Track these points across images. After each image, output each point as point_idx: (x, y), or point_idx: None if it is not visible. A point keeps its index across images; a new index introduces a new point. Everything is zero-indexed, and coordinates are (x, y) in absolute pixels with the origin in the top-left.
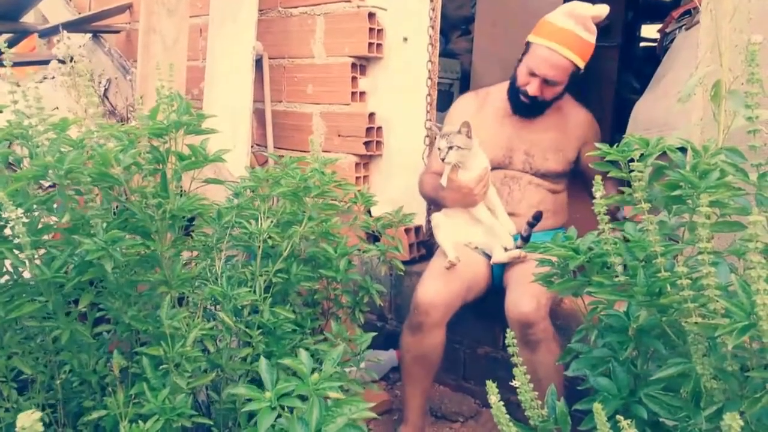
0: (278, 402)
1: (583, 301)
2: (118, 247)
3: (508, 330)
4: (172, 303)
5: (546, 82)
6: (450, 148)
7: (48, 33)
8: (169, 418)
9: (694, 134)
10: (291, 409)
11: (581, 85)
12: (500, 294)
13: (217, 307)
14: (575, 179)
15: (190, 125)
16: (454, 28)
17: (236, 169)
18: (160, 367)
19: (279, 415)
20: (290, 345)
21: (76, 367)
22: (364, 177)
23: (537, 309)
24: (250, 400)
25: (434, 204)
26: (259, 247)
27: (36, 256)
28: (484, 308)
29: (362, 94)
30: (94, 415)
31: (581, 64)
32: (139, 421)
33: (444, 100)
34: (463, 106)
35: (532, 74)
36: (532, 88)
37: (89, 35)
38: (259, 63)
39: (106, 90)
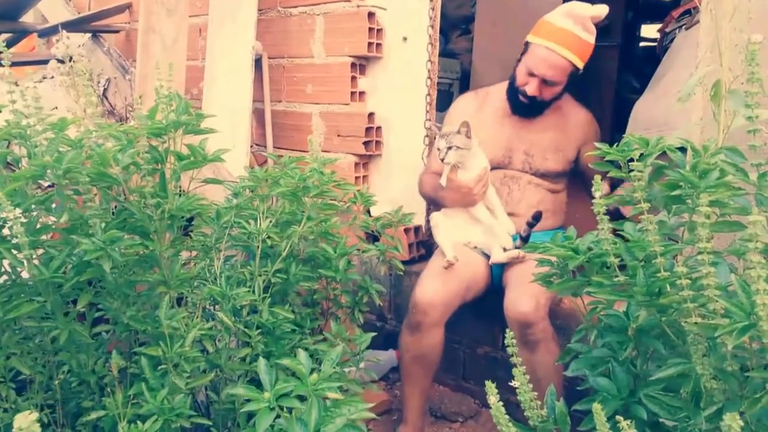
0: (277, 402)
1: (583, 301)
2: (116, 247)
3: (507, 330)
4: (170, 303)
5: (545, 82)
6: (449, 148)
7: (47, 33)
8: (167, 419)
9: (694, 134)
10: (290, 410)
11: (581, 84)
12: (499, 294)
13: (216, 307)
14: (575, 179)
15: (189, 125)
16: (454, 28)
17: (235, 168)
18: (159, 367)
19: (278, 416)
20: (289, 345)
21: (74, 368)
22: (364, 177)
23: (536, 309)
24: (249, 400)
25: (434, 204)
26: (258, 247)
27: (34, 256)
28: (484, 308)
29: (362, 93)
30: (93, 415)
31: (580, 65)
32: (138, 422)
33: (444, 100)
34: (463, 105)
35: (531, 74)
36: (531, 88)
37: (88, 35)
38: (258, 63)
39: (105, 90)
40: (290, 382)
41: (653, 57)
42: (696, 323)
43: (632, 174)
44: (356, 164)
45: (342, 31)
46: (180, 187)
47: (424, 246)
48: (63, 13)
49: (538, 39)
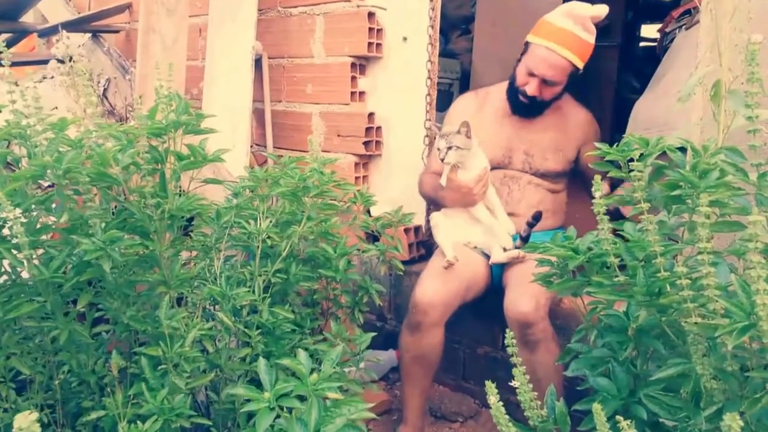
0: (277, 402)
1: (583, 301)
2: (116, 247)
3: (507, 330)
4: (170, 303)
5: (545, 82)
6: (449, 148)
7: (47, 33)
8: (167, 419)
9: (693, 134)
10: (290, 410)
11: (581, 84)
12: (500, 294)
13: (216, 307)
14: (575, 179)
15: (189, 125)
16: (454, 28)
17: (235, 168)
18: (159, 367)
19: (278, 416)
20: (289, 345)
21: (74, 368)
22: (364, 177)
23: (536, 309)
24: (249, 400)
25: (434, 204)
26: (258, 247)
27: (34, 256)
28: (484, 308)
29: (362, 93)
30: (93, 415)
31: (580, 65)
32: (138, 422)
33: (444, 100)
34: (463, 105)
35: (531, 74)
36: (531, 88)
37: (88, 35)
38: (258, 63)
39: (105, 90)
40: (290, 382)
41: (653, 57)
42: (696, 323)
43: (632, 174)
44: (356, 164)
45: (342, 31)
46: (180, 187)
47: (424, 246)
48: (63, 13)
49: (538, 39)
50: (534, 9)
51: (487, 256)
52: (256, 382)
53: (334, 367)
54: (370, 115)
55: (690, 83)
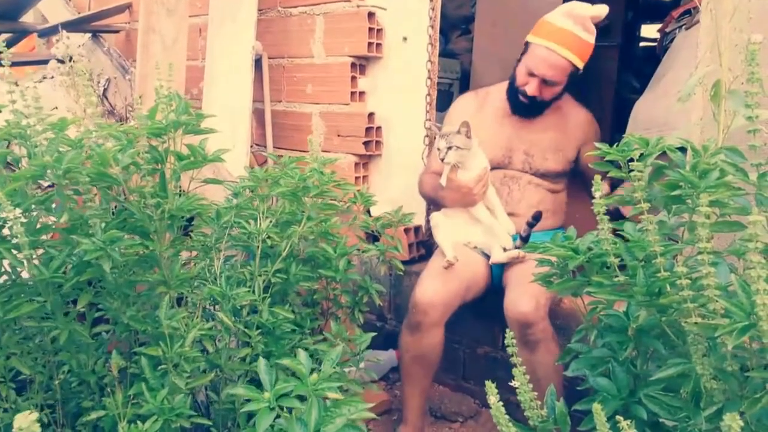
0: (277, 402)
1: (583, 301)
2: (116, 247)
3: (507, 330)
4: (170, 303)
5: (545, 82)
6: (449, 148)
7: (47, 33)
8: (167, 419)
9: (693, 134)
10: (290, 410)
11: (581, 84)
12: (500, 294)
13: (216, 307)
14: (575, 179)
15: (189, 125)
16: (454, 28)
17: (235, 169)
18: (159, 367)
19: (278, 416)
20: (289, 345)
21: (74, 368)
22: (364, 177)
23: (536, 309)
24: (249, 400)
25: (434, 204)
26: (258, 247)
27: (34, 256)
28: (484, 308)
29: (362, 93)
30: (93, 415)
31: (580, 65)
32: (138, 422)
33: (444, 100)
34: (463, 105)
35: (531, 74)
36: (531, 88)
37: (88, 35)
38: (258, 63)
39: (105, 90)
40: (290, 382)
41: (653, 57)
42: (696, 323)
43: (632, 174)
44: (356, 164)
45: (342, 31)
46: (180, 187)
47: (424, 246)
48: (63, 13)
49: (538, 39)
50: (534, 9)
51: (487, 256)
52: (256, 382)
53: (334, 367)
54: (370, 115)
55: (690, 83)
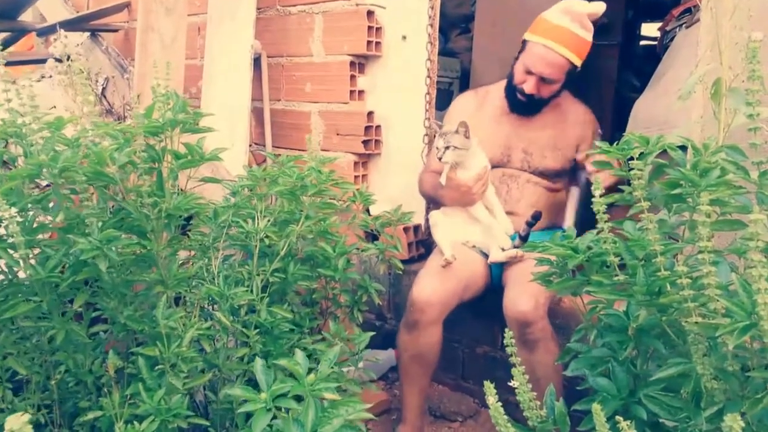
0: (274, 403)
1: (582, 301)
2: (113, 246)
3: (506, 330)
4: (168, 303)
5: (543, 80)
6: (447, 147)
7: (46, 32)
8: (164, 419)
9: (694, 132)
10: (288, 410)
11: (581, 83)
12: (499, 293)
13: (214, 306)
14: (574, 178)
15: (186, 123)
16: (454, 27)
17: (234, 167)
18: (156, 367)
19: (275, 416)
20: (288, 345)
21: (71, 368)
22: (363, 176)
23: (535, 308)
24: (246, 400)
25: (433, 202)
26: (256, 246)
27: (31, 256)
28: (483, 307)
29: (361, 92)
30: (90, 415)
31: (578, 62)
32: (135, 422)
33: (444, 99)
34: (462, 104)
35: (529, 72)
36: (529, 86)
37: (87, 34)
38: (257, 61)
39: (103, 89)
40: (288, 382)
41: (653, 56)
42: (696, 323)
43: (632, 172)
44: (355, 163)
45: (341, 29)
46: (177, 186)
47: (424, 245)
48: (61, 11)
49: (535, 37)
50: (534, 8)
51: (486, 255)
52: (254, 382)
53: (332, 367)
54: (370, 113)
55: (690, 81)
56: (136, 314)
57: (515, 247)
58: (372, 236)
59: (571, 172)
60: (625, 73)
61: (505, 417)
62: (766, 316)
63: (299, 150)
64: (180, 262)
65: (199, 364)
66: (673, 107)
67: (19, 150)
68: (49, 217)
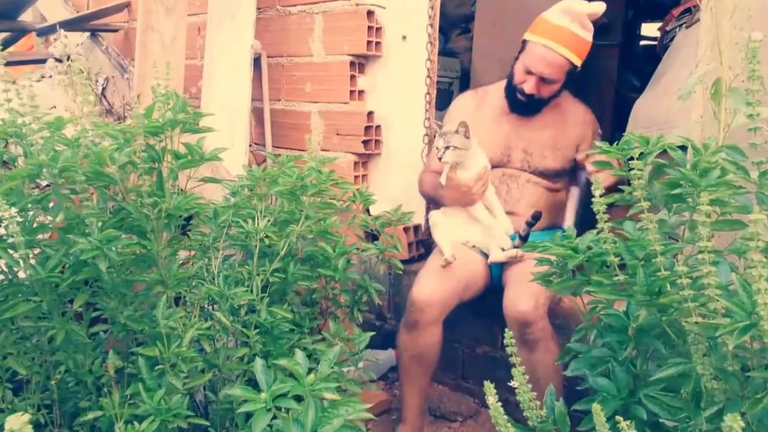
0: (274, 403)
1: (582, 301)
2: (113, 246)
3: (506, 330)
4: (168, 303)
5: (542, 80)
6: (447, 147)
7: (46, 31)
8: (164, 419)
9: (694, 132)
10: (288, 410)
11: (581, 83)
12: (499, 293)
13: (214, 306)
14: (575, 178)
15: (186, 123)
16: (454, 27)
17: (234, 167)
18: (156, 367)
19: (275, 416)
20: (288, 345)
21: (71, 368)
22: (363, 176)
23: (535, 308)
24: (246, 401)
25: (433, 202)
26: (256, 246)
27: (31, 256)
28: (483, 307)
29: (361, 92)
30: (90, 415)
31: (578, 62)
32: (135, 422)
33: (444, 99)
34: (462, 104)
35: (529, 72)
36: (529, 86)
37: (87, 34)
38: (257, 61)
39: (103, 89)
40: (287, 382)
41: (653, 56)
42: (696, 323)
43: (632, 172)
44: (355, 163)
45: (341, 29)
46: (177, 186)
47: (424, 245)
48: (61, 11)
49: (535, 37)
50: (534, 8)
51: (486, 255)
52: (254, 382)
53: (332, 367)
54: (370, 113)
55: (690, 81)
56: (136, 314)
57: (515, 247)
58: (372, 236)
59: (571, 172)
60: (625, 73)
61: (505, 417)
62: (766, 316)
63: (299, 150)
64: (180, 262)
65: (199, 364)
66: (673, 107)
67: (19, 150)
68: (49, 217)
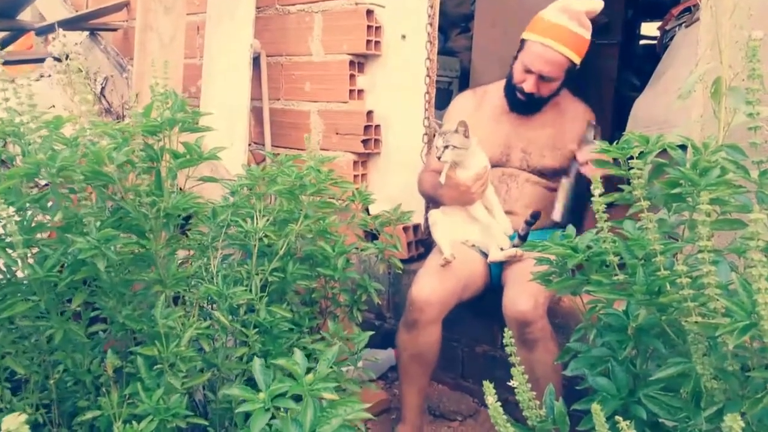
0: (272, 403)
1: (582, 300)
2: (111, 245)
3: (506, 329)
4: (167, 302)
5: (542, 78)
6: (446, 147)
7: (45, 31)
8: (163, 419)
9: (694, 131)
10: (287, 410)
11: (581, 82)
12: (499, 292)
13: (213, 306)
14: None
15: (185, 122)
16: (454, 26)
17: (233, 167)
18: (155, 367)
19: (273, 416)
20: (287, 344)
21: (70, 367)
22: (362, 175)
23: (534, 307)
24: (244, 400)
25: (433, 202)
26: (255, 245)
27: (29, 255)
28: (483, 307)
29: (360, 91)
30: (89, 415)
31: (576, 60)
32: (134, 422)
33: (443, 98)
34: (462, 104)
35: (528, 71)
36: (528, 85)
37: (86, 33)
38: (256, 61)
39: (102, 88)
40: (286, 382)
41: (653, 55)
42: (696, 322)
43: (632, 172)
44: (355, 162)
45: (340, 28)
46: (176, 185)
47: (423, 244)
48: (60, 11)
49: (533, 35)
50: (533, 7)
51: (486, 255)
52: (253, 382)
53: (331, 367)
54: (369, 113)
55: (690, 80)
56: (134, 314)
57: (514, 246)
58: (371, 235)
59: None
60: (625, 73)
61: (505, 416)
62: (766, 316)
63: (298, 149)
64: (179, 261)
65: (197, 363)
66: (672, 106)
67: (17, 149)
68: (48, 217)
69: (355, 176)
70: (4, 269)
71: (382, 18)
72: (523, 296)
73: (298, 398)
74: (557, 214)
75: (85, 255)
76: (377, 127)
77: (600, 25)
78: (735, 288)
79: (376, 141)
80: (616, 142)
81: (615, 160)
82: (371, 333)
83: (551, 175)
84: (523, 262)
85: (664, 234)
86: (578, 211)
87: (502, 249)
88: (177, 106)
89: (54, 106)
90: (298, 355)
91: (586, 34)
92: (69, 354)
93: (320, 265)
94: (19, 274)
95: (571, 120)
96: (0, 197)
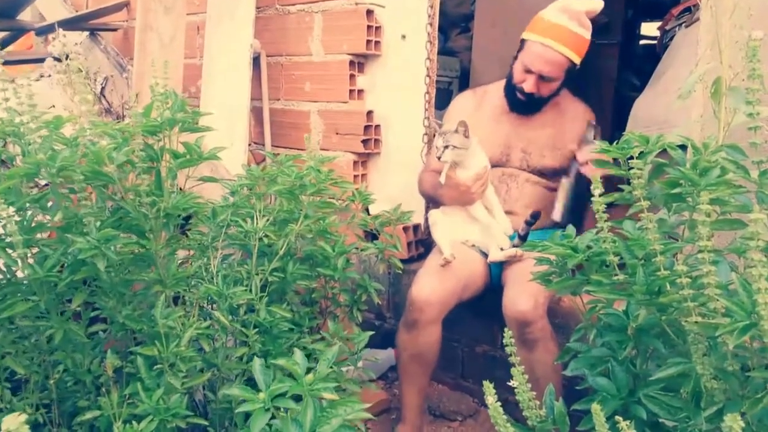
0: (272, 403)
1: (582, 300)
2: (111, 245)
3: (506, 329)
4: (167, 302)
5: (542, 78)
6: (446, 147)
7: (45, 31)
8: (163, 419)
9: (694, 131)
10: (287, 410)
11: (581, 82)
12: (499, 292)
13: (213, 306)
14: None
15: (185, 122)
16: (454, 26)
17: (233, 167)
18: (155, 367)
19: (273, 416)
20: (287, 344)
21: (70, 367)
22: (362, 175)
23: (534, 307)
24: (244, 400)
25: (433, 202)
26: (255, 245)
27: (29, 255)
28: (483, 307)
29: (360, 91)
30: (89, 415)
31: (577, 60)
32: (134, 422)
33: (443, 98)
34: (462, 104)
35: (528, 71)
36: (528, 85)
37: (86, 33)
38: (256, 61)
39: (102, 88)
40: (286, 382)
41: (653, 55)
42: (696, 322)
43: (632, 172)
44: (355, 162)
45: (340, 28)
46: (176, 185)
47: (423, 244)
48: (60, 11)
49: (533, 35)
50: (533, 7)
51: (486, 255)
52: (253, 382)
53: (331, 367)
54: (369, 113)
55: (690, 80)
56: (134, 314)
57: (514, 246)
58: (371, 235)
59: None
60: (625, 73)
61: (505, 416)
62: (766, 316)
63: (298, 149)
64: (179, 261)
65: (197, 363)
66: (672, 106)
67: (17, 149)
68: (48, 217)
69: (355, 176)
70: (4, 269)
71: (382, 18)
72: (523, 296)
73: (298, 398)
74: (557, 214)
75: (85, 255)
76: (377, 127)
77: (600, 25)
78: (735, 288)
79: (376, 141)
80: (616, 142)
81: (615, 160)
82: (371, 333)
83: (551, 175)
84: (523, 262)
85: (664, 234)
86: (578, 211)
87: (502, 249)
88: (177, 106)
89: (54, 106)
90: (298, 355)
91: (586, 33)
92: (69, 354)
93: (320, 265)
94: (19, 274)
95: (571, 120)
96: (0, 197)
